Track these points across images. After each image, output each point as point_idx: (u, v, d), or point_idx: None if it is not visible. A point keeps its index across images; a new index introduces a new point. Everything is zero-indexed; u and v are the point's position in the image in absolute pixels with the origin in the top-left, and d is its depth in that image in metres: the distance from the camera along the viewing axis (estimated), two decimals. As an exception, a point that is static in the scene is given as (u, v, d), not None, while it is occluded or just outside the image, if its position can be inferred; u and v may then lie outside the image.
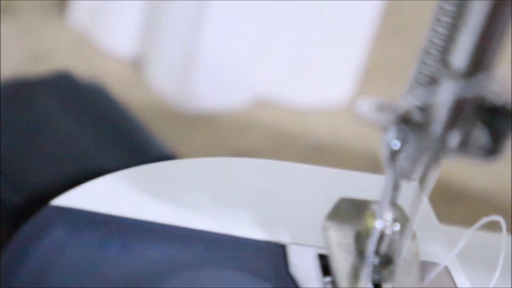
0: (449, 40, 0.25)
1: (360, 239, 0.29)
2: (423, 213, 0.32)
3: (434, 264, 0.31)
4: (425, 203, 0.33)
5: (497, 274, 0.29)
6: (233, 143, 0.65)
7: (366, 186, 0.33)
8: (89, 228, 0.30)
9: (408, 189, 0.29)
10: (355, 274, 0.28)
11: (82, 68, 0.68)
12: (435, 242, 0.33)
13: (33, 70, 0.67)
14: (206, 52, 0.66)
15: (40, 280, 0.27)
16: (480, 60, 0.23)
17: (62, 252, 0.29)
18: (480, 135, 0.25)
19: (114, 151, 0.52)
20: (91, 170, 0.50)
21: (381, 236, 0.28)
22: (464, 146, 0.25)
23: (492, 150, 0.25)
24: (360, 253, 0.29)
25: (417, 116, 0.25)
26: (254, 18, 0.67)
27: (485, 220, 0.29)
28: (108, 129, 0.54)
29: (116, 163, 0.51)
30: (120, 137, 0.54)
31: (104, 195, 0.32)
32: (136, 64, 0.70)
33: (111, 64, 0.70)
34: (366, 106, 0.25)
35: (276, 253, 0.31)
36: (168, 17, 0.68)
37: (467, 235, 0.29)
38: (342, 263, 0.29)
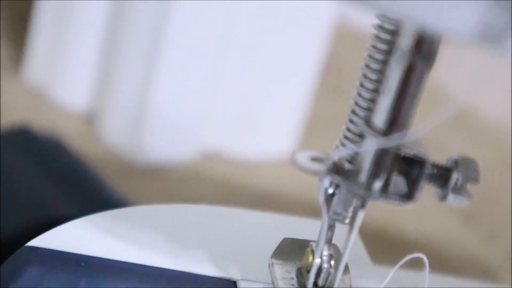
0: (371, 102, 0.29)
1: (301, 273, 0.33)
2: (357, 254, 0.37)
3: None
4: (359, 246, 0.38)
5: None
6: (182, 194, 0.67)
7: (306, 229, 0.37)
8: (61, 266, 0.33)
9: (341, 230, 0.33)
10: (297, 305, 0.33)
11: (39, 121, 0.70)
12: (367, 279, 0.37)
13: None
14: (156, 107, 0.68)
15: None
16: (396, 120, 0.28)
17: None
18: (398, 182, 0.29)
19: (72, 199, 0.55)
20: (52, 216, 0.52)
21: (319, 270, 0.32)
22: (385, 192, 0.29)
23: (408, 195, 0.29)
24: (302, 286, 0.33)
25: (346, 166, 0.29)
26: (201, 75, 0.69)
27: (409, 257, 0.33)
28: (65, 179, 0.57)
29: (74, 210, 0.54)
30: (77, 186, 0.57)
31: (73, 237, 0.35)
32: (90, 117, 0.72)
33: (66, 117, 0.72)
34: (302, 157, 0.29)
35: (227, 288, 0.35)
36: (120, 74, 0.69)
37: (392, 271, 0.34)
38: (285, 295, 0.33)
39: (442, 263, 0.68)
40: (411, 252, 0.73)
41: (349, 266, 0.34)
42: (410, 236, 0.70)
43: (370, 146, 0.27)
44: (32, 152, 0.58)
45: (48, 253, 0.33)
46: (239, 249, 0.37)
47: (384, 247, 0.68)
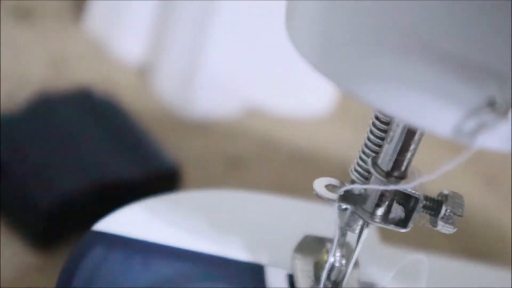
0: (378, 147, 0.35)
1: (317, 267, 0.40)
2: (370, 238, 0.43)
3: (373, 285, 0.42)
4: (373, 229, 0.44)
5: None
6: (224, 149, 0.70)
7: (328, 217, 0.43)
8: (120, 249, 0.40)
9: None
10: (312, 293, 0.39)
11: (95, 74, 0.73)
12: (377, 265, 0.43)
13: (52, 76, 0.73)
14: (205, 66, 0.72)
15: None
16: (398, 164, 0.34)
17: (100, 268, 0.39)
18: (397, 211, 0.35)
19: (125, 160, 0.60)
20: (106, 177, 0.58)
21: (332, 267, 0.39)
22: (385, 218, 0.35)
23: (404, 221, 0.35)
24: (317, 278, 0.40)
25: (356, 194, 0.35)
26: (248, 37, 0.72)
27: (410, 258, 0.39)
28: (120, 141, 0.62)
29: (126, 170, 0.59)
30: (130, 147, 0.61)
31: (131, 221, 0.42)
32: (144, 72, 0.75)
33: (121, 71, 0.75)
34: (319, 185, 0.35)
35: (257, 272, 0.41)
36: (175, 33, 0.73)
37: (392, 273, 0.40)
38: (303, 285, 0.40)
39: (462, 223, 0.72)
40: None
41: (366, 255, 0.40)
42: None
43: (376, 184, 0.33)
44: (91, 113, 0.62)
45: (110, 237, 0.40)
46: (269, 237, 0.43)
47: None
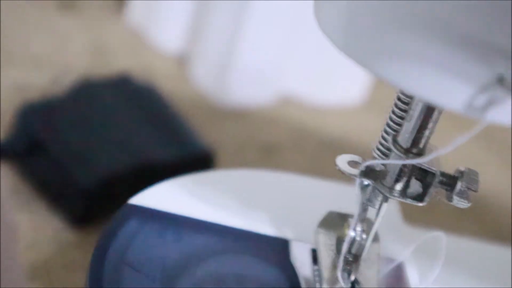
0: (399, 126, 0.37)
1: (339, 242, 0.42)
2: (392, 216, 0.44)
3: (393, 260, 0.43)
4: (396, 210, 0.45)
5: (435, 272, 0.41)
6: (258, 136, 0.71)
7: (352, 196, 0.45)
8: (154, 221, 0.43)
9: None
10: (333, 266, 0.41)
11: (135, 62, 0.75)
12: (398, 242, 0.45)
13: (94, 63, 0.75)
14: (241, 54, 0.73)
15: (121, 257, 0.39)
16: (416, 142, 0.36)
17: (136, 239, 0.41)
18: (415, 186, 0.37)
19: (162, 144, 0.61)
20: (142, 158, 0.59)
21: (353, 242, 0.41)
22: (403, 193, 0.37)
23: (421, 196, 0.37)
24: (339, 252, 0.42)
25: (377, 169, 0.37)
26: (283, 26, 0.74)
27: (429, 235, 0.41)
28: (158, 125, 0.64)
29: (162, 152, 0.60)
30: (168, 132, 0.63)
31: (165, 196, 0.44)
32: (182, 61, 0.77)
33: (160, 59, 0.76)
34: (342, 161, 0.37)
35: (282, 246, 0.43)
36: (212, 22, 0.74)
37: (412, 248, 0.41)
38: (326, 258, 0.42)
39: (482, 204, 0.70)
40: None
41: (382, 227, 0.42)
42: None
43: (396, 159, 0.35)
44: (131, 98, 0.64)
45: (145, 210, 0.42)
46: (295, 214, 0.45)
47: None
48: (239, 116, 0.74)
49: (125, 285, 0.38)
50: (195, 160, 0.62)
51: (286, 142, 0.73)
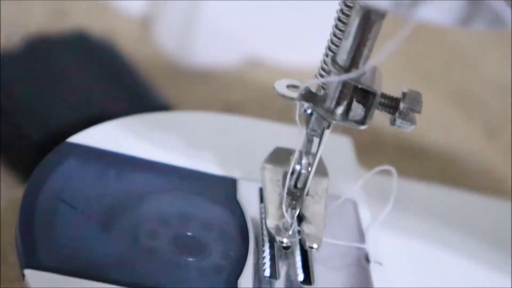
0: (337, 46, 0.36)
1: (286, 177, 0.41)
2: (345, 156, 0.43)
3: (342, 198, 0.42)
4: (350, 151, 0.44)
5: (387, 209, 0.40)
6: (224, 98, 0.70)
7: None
8: (94, 160, 0.41)
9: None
10: (280, 202, 0.40)
11: (96, 23, 0.73)
12: (351, 181, 0.44)
13: (53, 24, 0.74)
14: (207, 13, 0.72)
15: (56, 194, 0.38)
16: (355, 60, 0.34)
17: (73, 177, 0.40)
18: (357, 110, 0.36)
19: (118, 99, 0.61)
20: (98, 114, 0.58)
21: (298, 175, 0.39)
22: (345, 116, 0.36)
23: (363, 119, 0.36)
24: (285, 187, 0.40)
25: (317, 94, 0.36)
26: None
27: (378, 168, 0.40)
28: (114, 80, 0.63)
29: (119, 109, 0.60)
30: (124, 87, 0.62)
31: (108, 136, 0.43)
32: (145, 21, 0.76)
33: (122, 20, 0.75)
34: (281, 85, 0.36)
35: (229, 186, 0.42)
36: None
37: (365, 177, 0.40)
38: (272, 193, 0.40)
39: (460, 174, 0.71)
40: (431, 161, 0.76)
41: (335, 166, 0.41)
42: (431, 147, 0.73)
43: (335, 79, 0.34)
44: (86, 54, 0.63)
45: (85, 149, 0.40)
46: (244, 153, 0.44)
47: (407, 156, 0.72)
48: (204, 77, 0.73)
49: (59, 221, 0.37)
50: (151, 115, 0.61)
51: (250, 102, 0.72)
